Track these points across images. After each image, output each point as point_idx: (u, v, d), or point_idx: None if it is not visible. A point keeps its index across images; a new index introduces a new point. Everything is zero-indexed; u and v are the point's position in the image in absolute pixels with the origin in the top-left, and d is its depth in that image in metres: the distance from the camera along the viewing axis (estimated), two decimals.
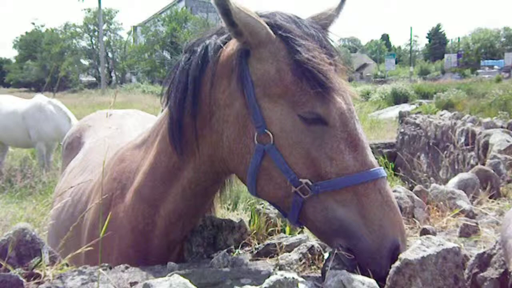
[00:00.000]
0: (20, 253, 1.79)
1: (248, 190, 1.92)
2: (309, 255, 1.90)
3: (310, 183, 1.70)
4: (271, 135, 1.77)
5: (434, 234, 2.10)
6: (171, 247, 2.16)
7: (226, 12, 1.74)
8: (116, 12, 72.52)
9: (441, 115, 9.25)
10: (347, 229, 1.65)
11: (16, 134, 11.10)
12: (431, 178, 7.67)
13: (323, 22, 2.00)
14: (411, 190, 2.63)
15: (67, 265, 1.84)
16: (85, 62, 73.05)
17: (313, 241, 2.00)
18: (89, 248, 1.82)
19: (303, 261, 1.89)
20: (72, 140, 3.91)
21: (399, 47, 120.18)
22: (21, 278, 1.59)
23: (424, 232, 2.11)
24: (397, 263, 1.47)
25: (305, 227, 1.91)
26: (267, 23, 1.81)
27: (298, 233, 2.29)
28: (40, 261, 1.77)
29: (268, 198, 1.90)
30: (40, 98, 11.37)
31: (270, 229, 2.38)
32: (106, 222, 1.78)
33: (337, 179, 1.67)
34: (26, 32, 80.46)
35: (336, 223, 1.67)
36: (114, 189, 2.27)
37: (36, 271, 1.75)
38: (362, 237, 1.63)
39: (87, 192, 2.59)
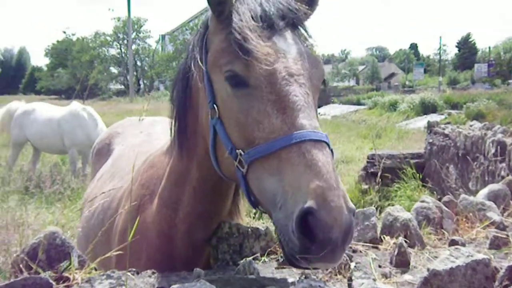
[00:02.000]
0: (50, 256, 1.82)
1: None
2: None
3: (242, 153, 1.64)
4: (217, 108, 1.76)
5: (463, 245, 2.07)
6: (196, 250, 2.16)
7: None
8: (145, 21, 73.25)
9: (470, 126, 9.10)
10: (274, 201, 1.53)
11: (51, 140, 11.28)
12: (460, 189, 7.56)
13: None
14: (440, 201, 2.60)
15: (96, 269, 1.87)
16: (114, 70, 74.11)
17: None
18: (118, 253, 1.84)
19: (329, 270, 1.88)
20: (101, 146, 3.97)
21: (428, 57, 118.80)
22: (51, 281, 1.62)
23: (453, 243, 2.08)
24: (425, 274, 1.46)
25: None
26: None
27: None
28: (70, 264, 1.80)
29: (230, 178, 1.82)
30: (76, 105, 11.57)
31: None
32: (134, 227, 1.80)
33: (263, 145, 1.58)
34: (58, 41, 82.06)
35: (268, 195, 1.56)
36: (142, 195, 2.30)
37: (65, 274, 1.78)
38: (277, 207, 1.51)
39: (117, 198, 2.63)
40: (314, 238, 1.40)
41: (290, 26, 1.78)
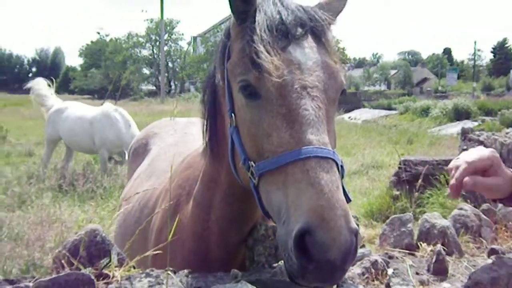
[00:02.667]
0: (90, 253, 1.86)
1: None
2: (373, 270, 1.88)
3: (254, 164, 1.63)
4: (234, 116, 1.76)
5: (503, 254, 2.03)
6: (230, 252, 2.16)
7: None
8: (177, 23, 74.01)
9: (506, 133, 8.92)
10: (279, 215, 1.52)
11: (82, 139, 11.46)
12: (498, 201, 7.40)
13: (334, 6, 1.90)
14: (478, 209, 2.57)
15: (134, 267, 1.90)
16: (146, 71, 75.09)
17: (377, 256, 1.98)
18: (156, 252, 1.86)
19: (366, 275, 1.87)
20: (138, 146, 4.04)
21: (462, 62, 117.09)
22: (92, 277, 1.65)
23: (493, 252, 2.04)
24: (465, 282, 1.44)
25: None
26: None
27: (361, 247, 2.27)
28: (109, 262, 1.84)
29: (247, 186, 1.80)
30: (108, 106, 11.74)
31: None
32: (174, 227, 1.83)
33: (271, 159, 1.56)
34: (92, 41, 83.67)
35: (274, 209, 1.55)
36: (179, 195, 2.31)
37: (105, 271, 1.82)
38: (280, 223, 1.49)
39: (154, 198, 2.66)
40: (311, 258, 1.38)
41: (310, 34, 1.74)
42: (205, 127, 2.10)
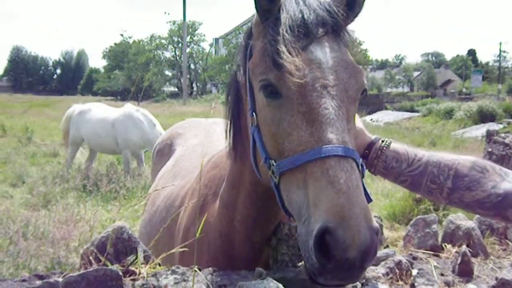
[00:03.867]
0: (117, 250, 1.89)
1: None
2: (397, 270, 1.88)
3: (274, 163, 1.64)
4: (255, 116, 1.76)
5: None
6: (255, 251, 2.17)
7: None
8: (200, 25, 74.52)
9: None
10: (300, 213, 1.52)
11: (105, 140, 11.54)
12: None
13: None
14: None
15: (159, 264, 1.93)
16: (168, 72, 75.67)
17: (401, 257, 1.97)
18: (182, 249, 1.89)
19: (390, 275, 1.87)
20: (163, 146, 4.08)
21: (487, 63, 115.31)
22: (120, 273, 1.68)
23: None
24: (493, 283, 1.43)
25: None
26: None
27: (385, 248, 2.27)
28: (136, 259, 1.87)
29: (269, 185, 1.79)
30: (129, 107, 11.82)
31: None
32: (201, 225, 1.85)
33: (291, 158, 1.56)
34: (115, 43, 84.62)
35: (295, 208, 1.55)
36: (206, 195, 2.34)
37: (131, 268, 1.85)
38: (301, 221, 1.50)
39: (180, 197, 2.69)
40: (331, 257, 1.39)
41: (331, 33, 1.74)
42: (228, 127, 2.12)
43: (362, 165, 1.62)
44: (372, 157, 1.85)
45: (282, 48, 1.63)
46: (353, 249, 1.36)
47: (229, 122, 2.11)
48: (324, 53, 1.68)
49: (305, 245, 1.46)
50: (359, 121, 1.92)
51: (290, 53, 1.62)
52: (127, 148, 11.32)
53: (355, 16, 1.86)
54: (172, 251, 1.94)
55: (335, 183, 1.44)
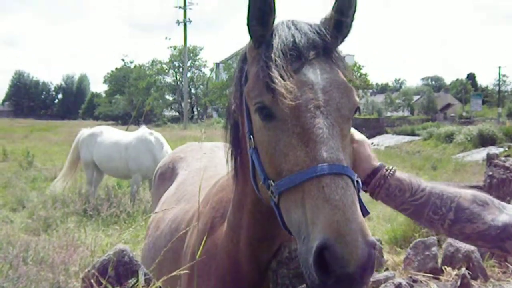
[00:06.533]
0: (118, 272, 1.91)
1: None
2: None
3: (273, 183, 1.67)
4: (252, 138, 1.80)
5: None
6: (262, 272, 2.18)
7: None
8: (201, 49, 75.05)
9: None
10: (299, 232, 1.54)
11: (118, 164, 11.38)
12: None
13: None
14: None
15: (160, 287, 1.94)
16: (169, 97, 75.90)
17: (401, 279, 1.98)
18: (188, 273, 1.89)
19: None
20: (165, 170, 4.09)
21: (486, 87, 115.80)
22: None
23: None
24: None
25: None
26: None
27: (385, 271, 2.27)
28: (137, 281, 1.88)
29: (271, 206, 1.82)
30: (144, 130, 11.69)
31: None
32: (201, 247, 1.86)
33: (288, 178, 1.60)
34: (116, 68, 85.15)
35: (294, 226, 1.58)
36: (213, 218, 2.36)
37: None
38: (300, 239, 1.52)
39: (186, 221, 2.70)
40: (330, 273, 1.41)
41: (322, 55, 1.78)
42: (229, 150, 2.16)
43: (357, 181, 1.64)
44: (375, 185, 1.87)
45: (275, 73, 1.67)
46: (351, 264, 1.39)
47: (229, 145, 2.15)
48: (316, 74, 1.72)
49: (306, 263, 1.48)
50: (366, 147, 1.96)
51: (282, 77, 1.66)
52: (138, 171, 11.21)
53: (344, 37, 1.90)
54: (173, 273, 1.95)
55: (331, 200, 1.47)
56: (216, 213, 2.36)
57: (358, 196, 1.60)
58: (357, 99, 1.81)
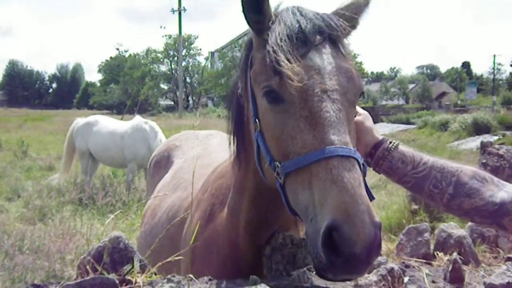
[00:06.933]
0: (114, 259, 1.92)
1: None
2: (389, 278, 1.91)
3: (279, 165, 1.70)
4: (258, 122, 1.84)
5: None
6: (261, 257, 2.21)
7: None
8: (196, 38, 74.61)
9: None
10: (306, 213, 1.59)
11: (114, 153, 11.42)
12: None
13: (352, 11, 1.96)
14: None
15: (155, 273, 1.95)
16: (164, 86, 75.67)
17: (393, 264, 2.00)
18: (185, 258, 1.91)
19: (383, 283, 1.90)
20: (160, 158, 4.10)
21: (481, 76, 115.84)
22: (117, 282, 1.71)
23: (509, 260, 2.06)
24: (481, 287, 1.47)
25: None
26: (274, 14, 1.87)
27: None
28: (132, 268, 1.89)
29: (274, 187, 1.86)
30: (138, 120, 11.71)
31: None
32: (195, 233, 1.88)
33: (295, 159, 1.64)
34: (111, 57, 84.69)
35: (301, 207, 1.62)
36: (213, 204, 2.39)
37: (127, 277, 1.87)
38: (308, 220, 1.56)
39: (184, 208, 2.73)
40: (338, 253, 1.45)
41: (328, 41, 1.81)
42: (231, 135, 2.19)
43: (363, 164, 1.68)
44: (379, 157, 1.92)
45: (281, 57, 1.70)
46: (359, 244, 1.42)
47: (232, 129, 2.18)
48: (322, 59, 1.75)
49: (313, 243, 1.52)
50: (369, 120, 2.03)
51: (288, 61, 1.69)
52: (134, 160, 11.21)
53: (353, 28, 1.95)
54: (169, 259, 1.97)
55: (339, 182, 1.51)
56: (216, 199, 2.39)
57: (364, 180, 1.63)
58: (362, 84, 1.86)
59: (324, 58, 1.76)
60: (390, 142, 1.93)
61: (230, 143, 2.20)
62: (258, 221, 2.14)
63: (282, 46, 1.73)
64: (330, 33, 1.80)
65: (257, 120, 1.85)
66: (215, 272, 2.06)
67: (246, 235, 2.17)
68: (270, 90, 1.74)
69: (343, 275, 1.52)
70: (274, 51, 1.73)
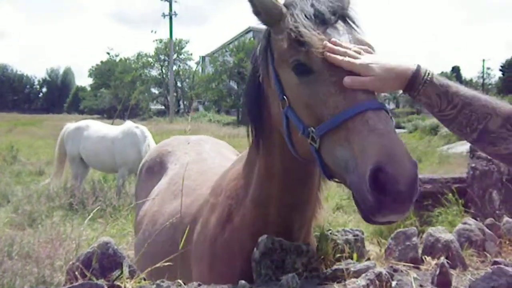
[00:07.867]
0: (103, 265, 1.92)
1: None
2: (377, 282, 1.93)
3: (313, 129, 1.79)
4: (286, 99, 1.93)
5: (506, 267, 2.07)
6: (295, 238, 2.29)
7: None
8: (186, 43, 74.53)
9: None
10: (346, 166, 1.66)
11: (104, 158, 11.38)
12: (504, 216, 7.36)
13: None
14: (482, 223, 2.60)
15: (145, 279, 1.96)
16: (155, 91, 75.47)
17: (381, 268, 2.02)
18: (168, 264, 1.92)
19: (371, 287, 1.91)
20: (153, 164, 4.05)
21: (471, 80, 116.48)
22: (105, 287, 1.71)
23: (496, 264, 2.08)
24: None
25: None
26: (284, 3, 2.01)
27: (366, 260, 2.31)
28: (121, 273, 1.90)
29: (306, 157, 1.97)
30: (129, 124, 11.69)
31: (337, 255, 2.41)
32: (185, 235, 1.89)
33: (329, 120, 1.72)
34: (101, 61, 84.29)
35: (341, 163, 1.69)
36: (230, 205, 2.44)
37: (116, 283, 1.87)
38: (350, 171, 1.63)
39: (191, 214, 2.76)
40: (385, 191, 1.52)
41: (341, 19, 1.95)
42: (250, 128, 2.30)
43: (391, 117, 1.76)
44: (417, 89, 1.82)
45: (305, 30, 1.84)
46: (403, 181, 1.51)
47: (250, 123, 2.29)
48: (340, 34, 1.91)
49: (359, 188, 1.59)
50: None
51: (312, 32, 1.84)
52: (124, 165, 11.18)
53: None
54: (157, 265, 1.99)
55: (376, 130, 1.61)
56: (232, 200, 2.45)
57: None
58: (376, 51, 1.98)
59: (341, 33, 1.91)
60: (425, 73, 1.82)
61: (248, 134, 2.32)
62: (291, 204, 2.23)
63: (303, 23, 1.86)
64: (342, 13, 1.94)
65: (284, 97, 1.94)
66: (240, 269, 2.20)
67: (279, 221, 2.25)
68: (298, 64, 1.85)
69: (391, 215, 1.58)
70: (297, 29, 1.85)
